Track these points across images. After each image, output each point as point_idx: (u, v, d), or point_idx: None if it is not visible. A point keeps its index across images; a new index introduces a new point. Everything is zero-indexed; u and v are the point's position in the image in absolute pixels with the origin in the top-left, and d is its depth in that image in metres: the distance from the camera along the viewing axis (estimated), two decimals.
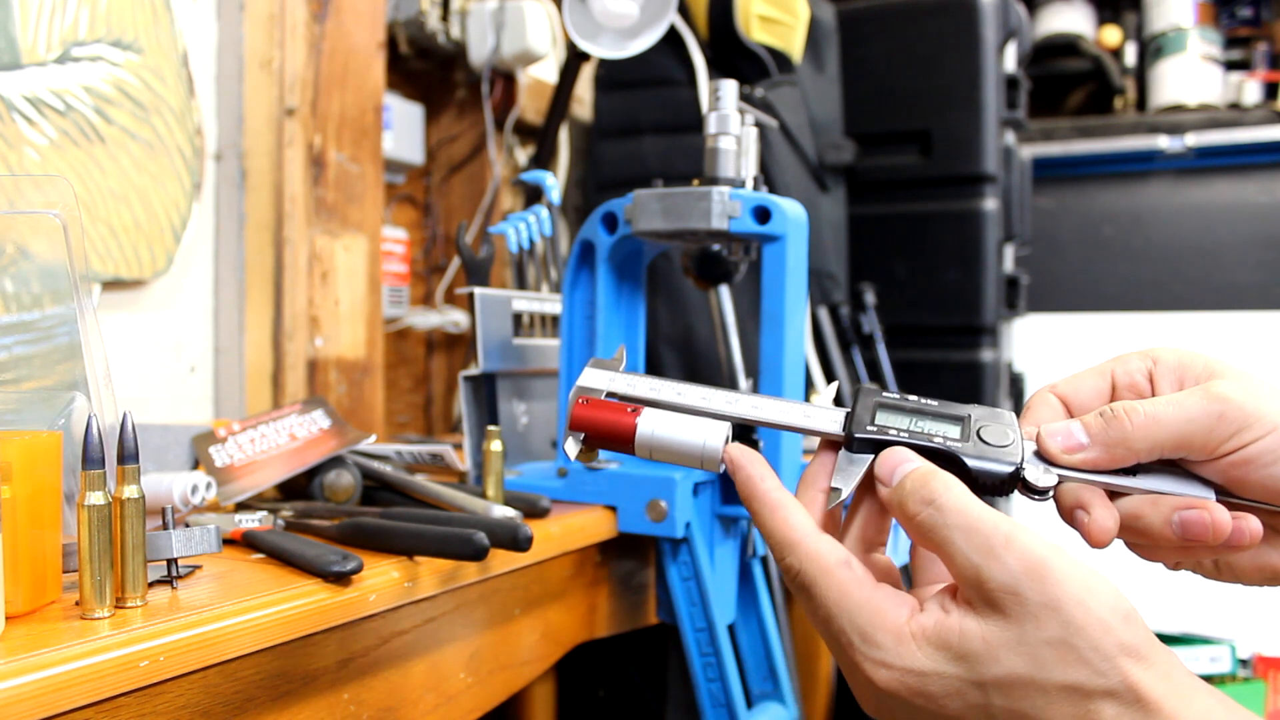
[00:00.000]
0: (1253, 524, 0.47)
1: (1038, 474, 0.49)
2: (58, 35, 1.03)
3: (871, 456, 0.50)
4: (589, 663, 1.68)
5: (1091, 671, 0.41)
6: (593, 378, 0.52)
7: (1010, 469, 0.48)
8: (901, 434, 0.49)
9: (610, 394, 0.52)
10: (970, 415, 0.51)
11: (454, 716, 0.77)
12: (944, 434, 0.49)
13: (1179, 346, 0.53)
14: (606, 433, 0.51)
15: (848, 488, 0.49)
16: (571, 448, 0.51)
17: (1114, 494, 0.49)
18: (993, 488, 0.49)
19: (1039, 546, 0.42)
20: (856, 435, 0.50)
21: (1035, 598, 0.42)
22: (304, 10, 1.25)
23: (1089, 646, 0.41)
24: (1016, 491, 0.50)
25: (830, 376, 1.57)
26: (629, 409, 0.51)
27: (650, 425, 0.50)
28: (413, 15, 1.52)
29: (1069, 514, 0.49)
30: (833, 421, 0.51)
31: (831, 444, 0.51)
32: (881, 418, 0.51)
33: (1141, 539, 0.49)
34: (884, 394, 0.52)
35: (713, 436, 0.50)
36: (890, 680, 0.44)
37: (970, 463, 0.48)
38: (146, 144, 1.12)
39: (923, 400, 0.52)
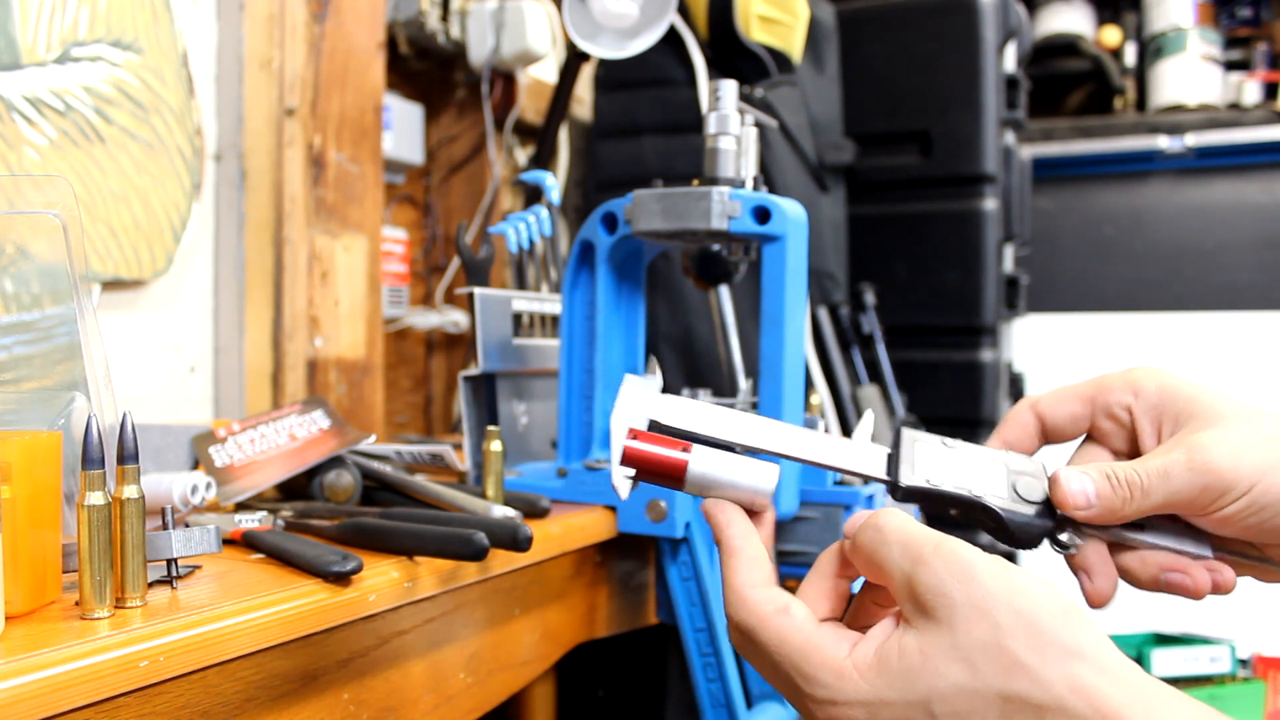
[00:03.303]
0: (1227, 576, 0.54)
1: (1066, 534, 0.53)
2: (58, 35, 1.03)
3: (916, 506, 0.53)
4: (589, 663, 1.68)
5: (1032, 681, 0.40)
6: (634, 405, 0.53)
7: (1045, 528, 0.52)
8: (945, 484, 0.52)
9: (653, 422, 0.52)
10: (1006, 464, 0.54)
11: (454, 716, 0.77)
12: (984, 486, 0.53)
13: (1160, 370, 0.56)
14: (658, 470, 0.51)
15: None
16: (623, 486, 0.52)
17: (1116, 545, 0.54)
18: (1024, 542, 0.52)
19: (966, 552, 0.44)
20: (902, 484, 0.52)
21: (962, 599, 0.42)
22: (304, 10, 1.25)
23: (1025, 649, 0.41)
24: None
25: (830, 376, 1.57)
26: (680, 448, 0.51)
27: (702, 465, 0.51)
28: (413, 15, 1.52)
29: (1074, 569, 0.55)
30: (877, 467, 0.53)
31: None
32: (924, 465, 0.53)
33: (1130, 584, 0.55)
34: (920, 435, 0.55)
35: (765, 480, 0.51)
36: (839, 716, 0.44)
37: (1007, 519, 0.52)
38: (146, 144, 1.12)
39: (961, 443, 0.55)
